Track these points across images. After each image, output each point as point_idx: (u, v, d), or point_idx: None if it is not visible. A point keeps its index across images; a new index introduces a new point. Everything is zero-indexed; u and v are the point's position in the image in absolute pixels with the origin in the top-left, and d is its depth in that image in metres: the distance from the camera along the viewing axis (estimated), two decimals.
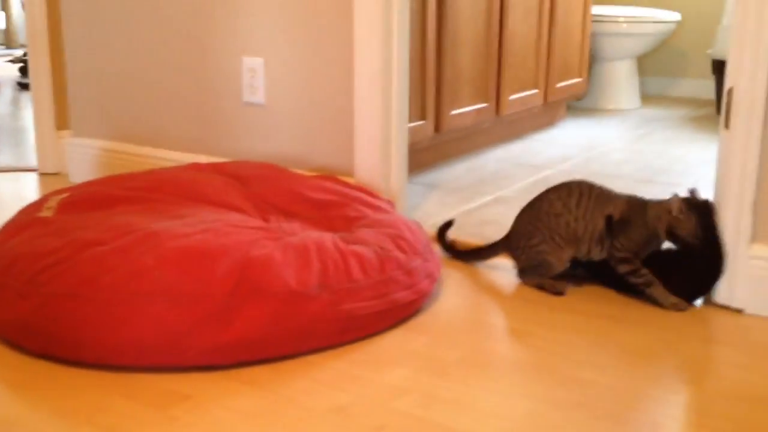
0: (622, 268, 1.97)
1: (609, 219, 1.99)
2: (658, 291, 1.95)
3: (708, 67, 4.64)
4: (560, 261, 2.04)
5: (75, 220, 1.92)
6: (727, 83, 1.87)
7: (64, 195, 2.09)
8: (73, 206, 2.03)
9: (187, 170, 2.28)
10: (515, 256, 2.12)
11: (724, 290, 1.94)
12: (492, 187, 2.99)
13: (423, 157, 3.18)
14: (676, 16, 4.42)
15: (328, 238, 1.88)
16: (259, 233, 1.85)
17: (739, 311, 1.93)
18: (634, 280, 1.96)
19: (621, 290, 2.03)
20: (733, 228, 1.91)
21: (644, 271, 1.95)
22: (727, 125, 1.89)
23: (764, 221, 1.89)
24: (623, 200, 2.01)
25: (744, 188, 1.88)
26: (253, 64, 2.58)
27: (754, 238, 1.90)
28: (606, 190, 2.04)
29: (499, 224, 2.55)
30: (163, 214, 1.95)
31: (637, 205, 2.00)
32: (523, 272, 2.10)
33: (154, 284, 1.65)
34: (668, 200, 1.95)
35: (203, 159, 2.69)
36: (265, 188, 2.20)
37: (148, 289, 1.64)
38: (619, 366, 1.69)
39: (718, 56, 4.16)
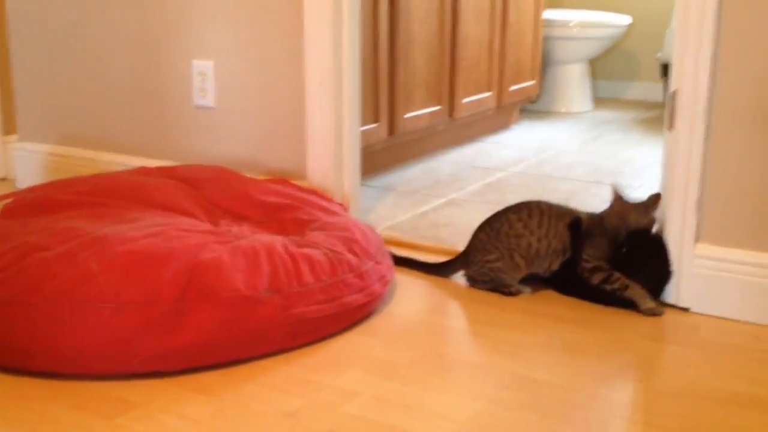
0: (596, 278, 1.97)
1: (575, 223, 2.01)
2: (635, 292, 1.94)
3: (658, 71, 4.71)
4: (514, 279, 2.05)
5: (19, 226, 1.88)
6: (671, 86, 1.90)
7: (8, 200, 2.05)
8: (17, 211, 2.00)
9: (136, 174, 2.26)
10: (468, 268, 2.12)
11: (670, 289, 1.97)
12: (446, 189, 3.00)
13: (377, 160, 3.18)
14: (626, 20, 4.48)
15: (278, 241, 1.87)
16: (208, 237, 1.84)
17: (685, 310, 1.96)
18: (610, 286, 1.96)
19: (573, 295, 2.04)
20: (678, 228, 1.94)
21: (617, 275, 1.96)
22: (671, 127, 1.92)
23: (708, 221, 1.92)
24: (583, 215, 2.05)
25: (688, 188, 1.91)
26: (203, 67, 2.56)
27: (699, 237, 1.93)
28: (564, 208, 2.06)
29: (452, 226, 2.56)
30: (110, 219, 1.92)
31: (596, 218, 2.03)
32: (473, 281, 2.10)
33: (99, 290, 1.62)
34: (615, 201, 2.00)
35: (153, 163, 2.66)
36: (215, 192, 2.18)
37: (94, 295, 1.62)
38: (568, 366, 1.70)
39: (667, 60, 4.23)
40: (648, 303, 1.93)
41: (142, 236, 1.77)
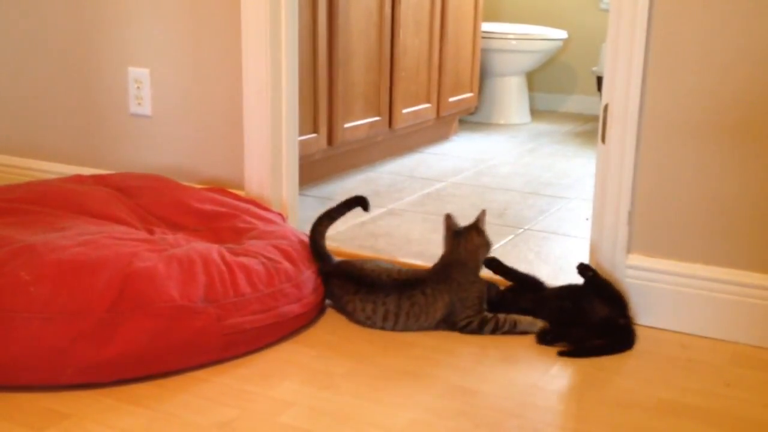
0: (487, 330, 1.89)
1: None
2: (524, 324, 1.90)
3: (593, 84, 4.81)
4: None
5: None
6: (603, 99, 1.94)
7: None
8: None
9: (69, 182, 2.21)
10: None
11: None
12: (385, 199, 3.01)
13: (316, 170, 3.18)
14: (562, 34, 4.57)
15: (214, 249, 1.85)
16: (142, 245, 1.81)
17: None
18: (500, 332, 1.89)
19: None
20: (611, 239, 1.97)
21: (502, 317, 1.89)
22: (603, 140, 1.96)
23: (639, 232, 1.96)
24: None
25: (620, 200, 1.95)
26: (138, 74, 2.53)
27: (631, 248, 1.97)
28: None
29: (391, 237, 2.57)
30: (41, 227, 1.88)
31: (448, 277, 1.91)
32: None
33: (29, 300, 1.59)
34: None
35: (88, 171, 2.61)
36: (150, 200, 2.16)
37: (24, 305, 1.59)
38: (502, 375, 1.72)
39: (602, 73, 4.32)
40: (538, 324, 1.89)
41: (74, 245, 1.74)
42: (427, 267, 2.01)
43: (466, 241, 1.92)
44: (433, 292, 1.89)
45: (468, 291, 1.90)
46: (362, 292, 1.91)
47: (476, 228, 1.94)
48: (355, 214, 2.80)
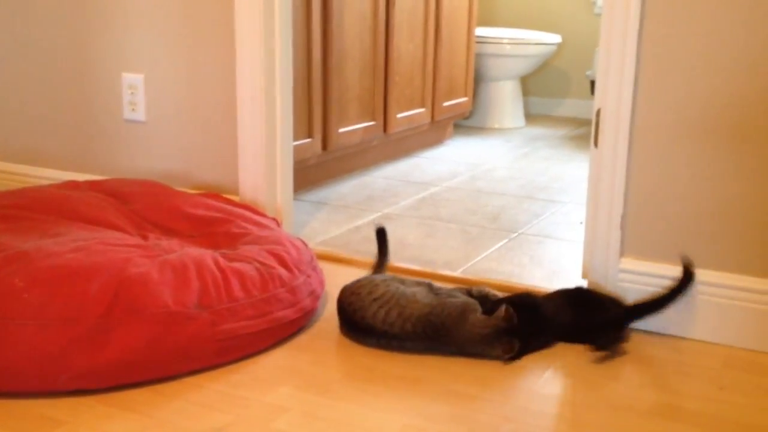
0: None
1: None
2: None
3: (587, 88, 4.82)
4: None
5: None
6: (596, 104, 1.95)
7: None
8: None
9: (63, 188, 2.22)
10: None
11: None
12: (380, 204, 3.01)
13: (311, 175, 3.18)
14: (556, 39, 4.58)
15: (208, 255, 1.85)
16: (136, 251, 1.81)
17: None
18: None
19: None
20: (604, 242, 1.98)
21: None
22: (596, 144, 1.97)
23: (632, 236, 1.97)
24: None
25: (613, 204, 1.95)
26: (133, 80, 2.53)
27: (623, 252, 1.98)
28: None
29: None
30: (35, 233, 1.88)
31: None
32: None
33: (23, 306, 1.59)
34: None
35: (82, 177, 2.61)
36: (144, 205, 2.16)
37: (18, 311, 1.58)
38: (496, 379, 1.73)
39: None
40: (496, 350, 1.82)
41: (68, 251, 1.74)
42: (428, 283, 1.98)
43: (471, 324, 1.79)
44: (425, 348, 1.83)
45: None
46: (353, 333, 1.89)
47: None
48: (350, 218, 2.81)
